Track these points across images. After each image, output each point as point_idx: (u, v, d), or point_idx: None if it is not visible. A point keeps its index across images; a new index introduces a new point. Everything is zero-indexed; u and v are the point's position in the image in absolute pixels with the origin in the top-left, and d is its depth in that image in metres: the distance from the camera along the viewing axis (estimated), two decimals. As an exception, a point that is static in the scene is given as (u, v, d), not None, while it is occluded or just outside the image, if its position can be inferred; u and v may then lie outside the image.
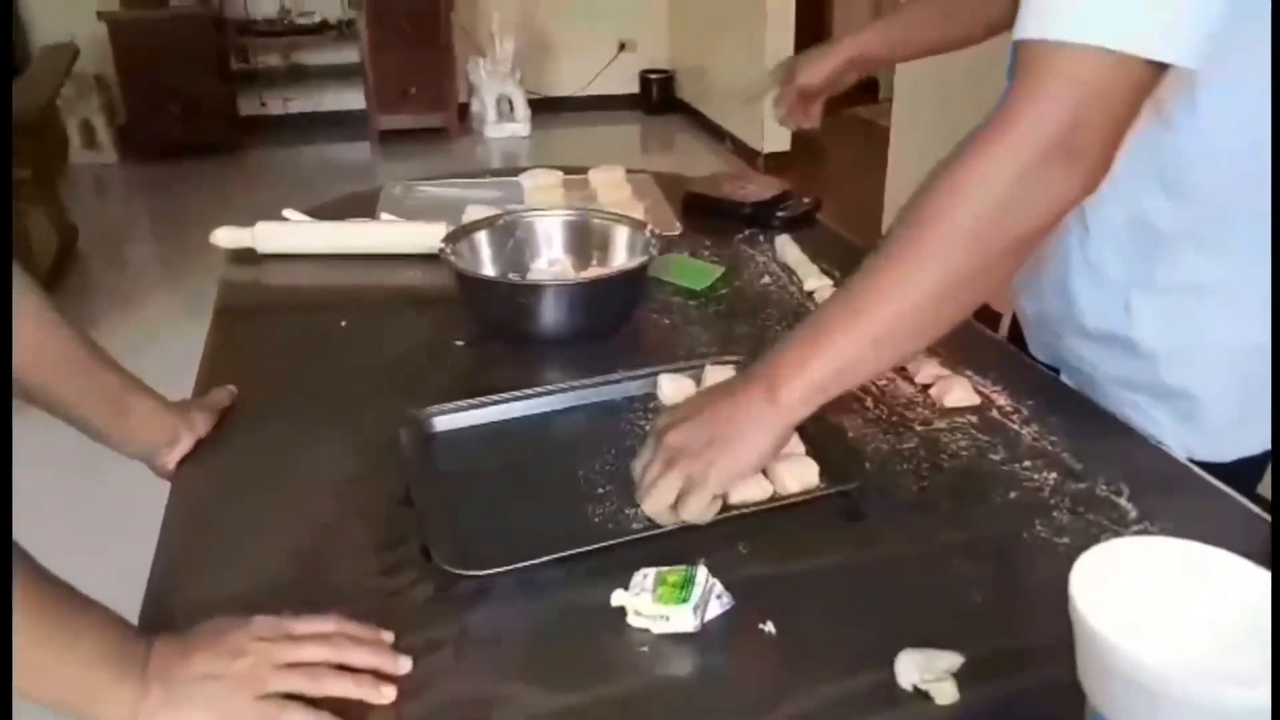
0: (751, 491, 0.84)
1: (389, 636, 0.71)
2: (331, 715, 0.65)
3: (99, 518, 2.30)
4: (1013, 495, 0.89)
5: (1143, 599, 0.58)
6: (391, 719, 0.66)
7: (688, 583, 0.73)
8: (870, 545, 0.83)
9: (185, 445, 0.95)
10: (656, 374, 1.03)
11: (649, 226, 1.27)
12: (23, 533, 0.61)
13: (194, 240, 1.74)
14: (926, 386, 1.05)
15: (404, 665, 0.69)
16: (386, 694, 0.67)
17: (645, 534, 0.81)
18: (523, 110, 5.80)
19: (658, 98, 6.32)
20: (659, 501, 0.79)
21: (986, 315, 1.23)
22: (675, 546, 0.79)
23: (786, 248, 1.41)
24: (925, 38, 1.33)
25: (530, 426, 0.99)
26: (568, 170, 1.70)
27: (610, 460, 0.92)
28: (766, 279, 1.36)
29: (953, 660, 0.67)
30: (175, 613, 0.74)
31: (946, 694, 0.66)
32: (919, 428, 0.99)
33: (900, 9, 1.38)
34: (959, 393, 1.03)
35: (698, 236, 1.49)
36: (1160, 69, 0.68)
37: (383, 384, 1.09)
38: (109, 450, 0.93)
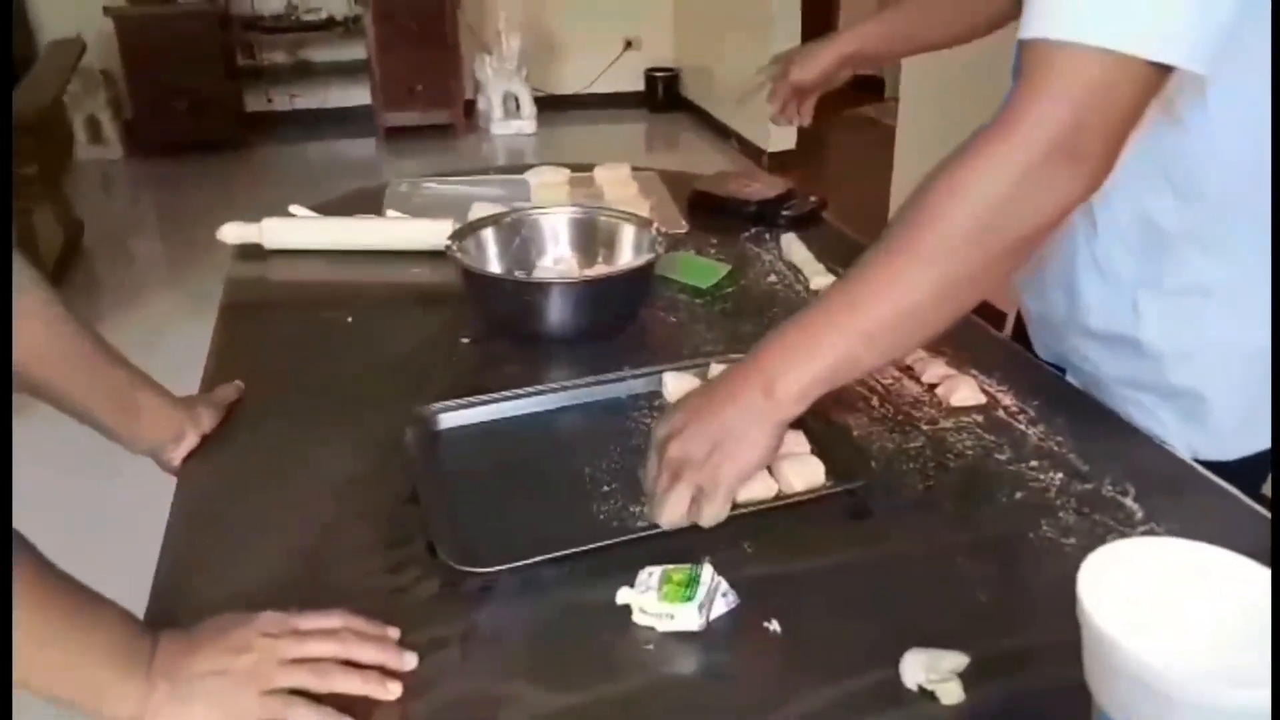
0: (757, 490, 0.84)
1: (395, 633, 0.71)
2: (336, 712, 0.65)
3: (104, 514, 2.30)
4: (1019, 495, 0.88)
5: (1149, 599, 0.57)
6: (397, 716, 0.66)
7: (693, 581, 0.73)
8: (876, 544, 0.83)
9: (191, 441, 0.95)
10: (662, 372, 1.03)
11: (655, 224, 1.27)
12: (29, 529, 0.61)
13: (200, 236, 1.74)
14: (933, 386, 1.05)
15: (409, 662, 0.69)
16: (392, 690, 0.67)
17: (650, 532, 0.81)
18: (529, 108, 5.81)
19: (663, 96, 6.31)
20: (673, 515, 0.78)
21: (990, 314, 1.23)
22: (680, 545, 0.79)
23: (792, 246, 1.41)
24: (926, 33, 1.32)
25: (536, 424, 0.99)
26: (574, 168, 1.70)
27: (616, 458, 0.92)
28: (772, 277, 1.36)
29: (958, 660, 0.67)
30: (181, 609, 0.74)
31: (952, 694, 0.66)
32: (925, 427, 0.99)
33: (901, 4, 1.35)
34: (965, 392, 1.02)
35: (703, 235, 1.49)
36: (1165, 71, 0.68)
37: (388, 381, 1.09)
38: (115, 446, 0.93)
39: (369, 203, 1.59)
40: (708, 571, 0.74)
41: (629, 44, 6.32)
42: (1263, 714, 0.49)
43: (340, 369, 1.13)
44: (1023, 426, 0.99)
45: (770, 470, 0.86)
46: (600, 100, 6.32)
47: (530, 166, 1.71)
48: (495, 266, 1.25)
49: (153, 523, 0.87)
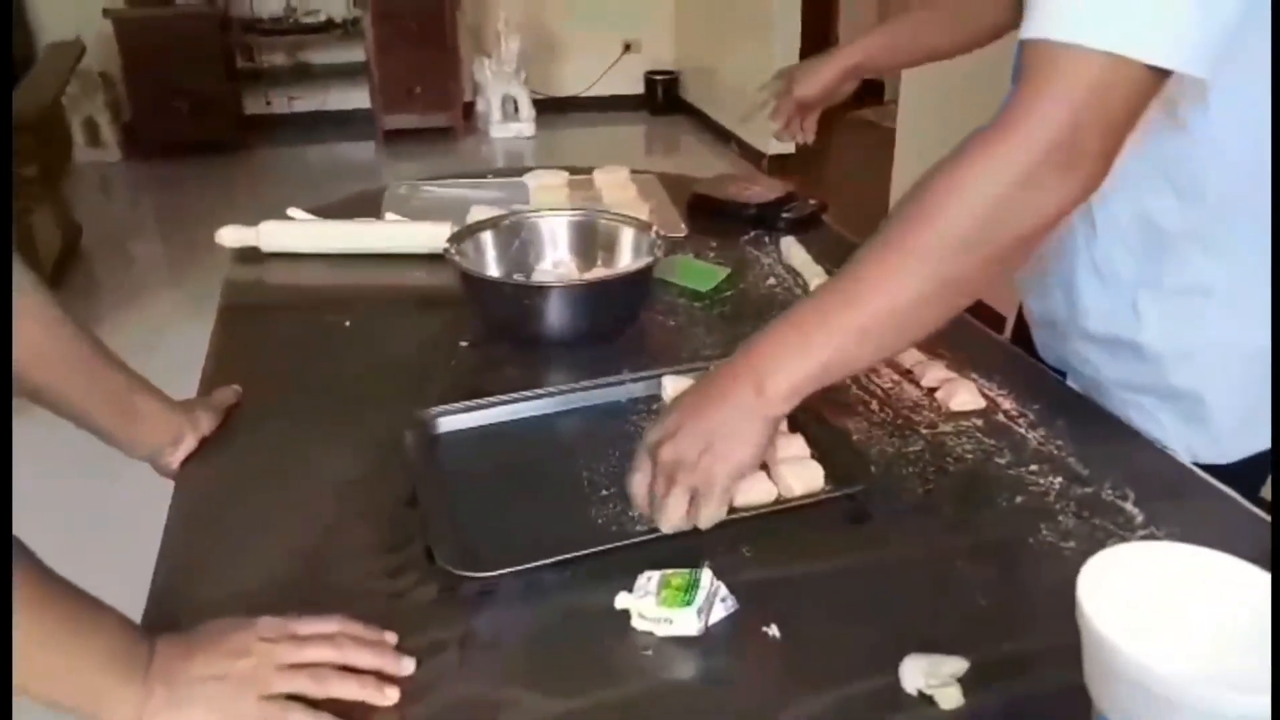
0: (756, 494, 0.84)
1: (392, 638, 0.71)
2: (334, 717, 0.65)
3: (103, 517, 2.30)
4: (1018, 499, 0.88)
5: (1149, 604, 0.57)
6: (395, 721, 0.66)
7: (692, 586, 0.73)
8: (875, 549, 0.83)
9: (189, 444, 0.95)
10: (661, 375, 1.03)
11: (654, 228, 1.27)
12: (27, 532, 0.61)
13: (198, 239, 1.74)
14: (932, 390, 1.05)
15: (407, 666, 0.69)
16: (390, 695, 0.67)
17: (649, 536, 0.80)
18: (528, 110, 5.81)
19: (662, 99, 6.32)
20: (673, 519, 0.78)
21: (990, 317, 1.23)
22: (679, 549, 0.79)
23: (792, 250, 1.41)
24: (930, 43, 1.32)
25: (534, 428, 0.99)
26: (573, 171, 1.70)
27: (615, 462, 0.92)
28: (772, 281, 1.36)
29: (958, 665, 0.67)
30: (179, 613, 0.73)
31: (951, 699, 0.66)
32: (924, 431, 0.99)
33: (903, 15, 1.36)
34: (965, 396, 1.02)
35: (703, 238, 1.49)
36: (1165, 74, 0.68)
37: (387, 384, 1.09)
38: (113, 450, 0.93)
39: (368, 205, 1.59)
40: (706, 576, 0.74)
41: (628, 46, 6.32)
42: (1263, 719, 0.49)
43: (339, 372, 1.13)
44: (1022, 430, 0.98)
45: (769, 474, 0.86)
46: (599, 103, 6.32)
47: (529, 169, 1.70)
48: (494, 270, 1.25)
49: (151, 526, 0.87)
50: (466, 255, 1.21)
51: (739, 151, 5.41)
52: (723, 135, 5.66)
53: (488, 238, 1.27)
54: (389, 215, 1.52)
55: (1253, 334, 0.92)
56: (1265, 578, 0.57)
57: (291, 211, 1.48)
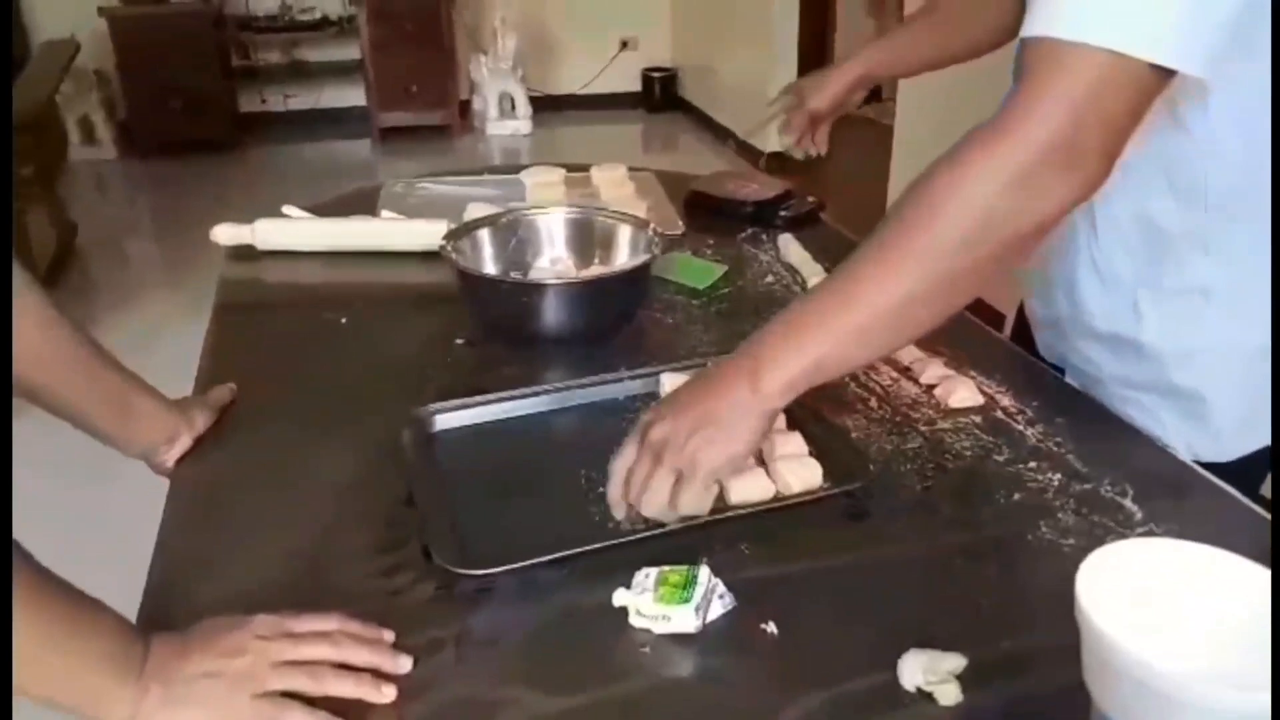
0: (754, 491, 0.84)
1: (390, 636, 0.71)
2: (330, 715, 0.65)
3: (99, 516, 2.29)
4: (1017, 496, 0.88)
5: (1148, 601, 0.57)
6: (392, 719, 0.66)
7: (690, 583, 0.73)
8: (874, 546, 0.83)
9: (185, 443, 0.95)
10: (659, 373, 1.03)
11: (651, 225, 1.27)
12: (23, 532, 0.60)
13: (194, 237, 1.73)
14: (931, 387, 1.05)
15: (404, 665, 0.69)
16: (387, 693, 0.67)
17: (647, 534, 0.80)
18: (524, 108, 5.80)
19: (660, 96, 6.31)
20: (656, 500, 0.78)
21: (989, 315, 1.23)
22: (677, 546, 0.79)
23: (790, 247, 1.41)
24: (931, 52, 1.32)
25: (532, 426, 0.99)
26: (570, 168, 1.69)
27: (612, 460, 0.91)
28: (770, 278, 1.36)
29: (956, 662, 0.67)
30: (175, 612, 0.73)
31: (950, 696, 0.66)
32: (923, 428, 0.99)
33: (904, 24, 1.37)
34: (963, 393, 1.02)
35: (700, 235, 1.49)
36: (1166, 74, 0.68)
37: (383, 382, 1.09)
38: (109, 450, 0.93)
39: (364, 203, 1.59)
40: (704, 573, 0.74)
41: (625, 44, 6.32)
42: (1262, 716, 0.49)
43: (335, 370, 1.13)
44: (1021, 427, 0.98)
45: (768, 471, 0.86)
46: (597, 100, 6.31)
47: (526, 167, 1.70)
48: (491, 267, 1.25)
49: (147, 525, 0.87)
50: (463, 253, 1.21)
51: (736, 149, 5.41)
52: (720, 133, 5.65)
53: (485, 235, 1.26)
54: (385, 213, 1.51)
55: (1253, 334, 0.92)
56: (1265, 575, 0.57)
57: (287, 209, 1.48)
